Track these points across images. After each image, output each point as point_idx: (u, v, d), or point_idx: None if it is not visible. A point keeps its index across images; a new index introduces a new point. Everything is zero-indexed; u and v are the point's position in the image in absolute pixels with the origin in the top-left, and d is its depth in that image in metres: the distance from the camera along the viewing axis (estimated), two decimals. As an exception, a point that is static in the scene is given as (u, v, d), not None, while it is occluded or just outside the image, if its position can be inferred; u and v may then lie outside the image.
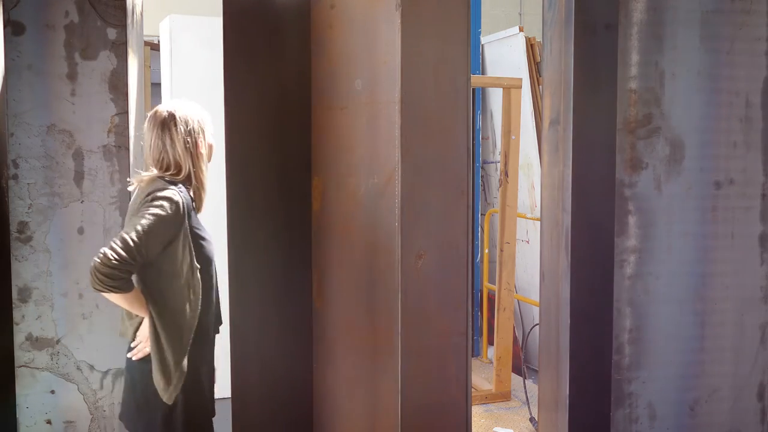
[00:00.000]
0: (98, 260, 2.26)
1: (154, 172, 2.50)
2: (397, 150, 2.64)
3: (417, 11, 2.63)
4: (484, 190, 6.37)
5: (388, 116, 2.68)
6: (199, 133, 2.61)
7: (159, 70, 5.30)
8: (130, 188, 2.60)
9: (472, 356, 2.82)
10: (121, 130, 2.68)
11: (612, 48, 2.64)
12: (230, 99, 2.99)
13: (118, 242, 2.29)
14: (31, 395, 2.66)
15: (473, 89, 5.39)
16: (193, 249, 2.54)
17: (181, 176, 2.55)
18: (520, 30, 5.92)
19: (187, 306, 2.47)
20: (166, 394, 2.41)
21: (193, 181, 2.61)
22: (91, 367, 2.71)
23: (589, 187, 2.64)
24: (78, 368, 2.70)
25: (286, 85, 3.10)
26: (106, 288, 2.28)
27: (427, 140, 2.70)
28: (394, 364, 2.68)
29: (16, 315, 2.62)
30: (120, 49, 2.65)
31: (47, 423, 2.69)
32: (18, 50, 2.58)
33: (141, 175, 2.52)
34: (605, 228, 2.68)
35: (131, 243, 2.30)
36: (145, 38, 4.11)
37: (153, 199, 2.39)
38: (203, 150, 2.66)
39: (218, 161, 3.44)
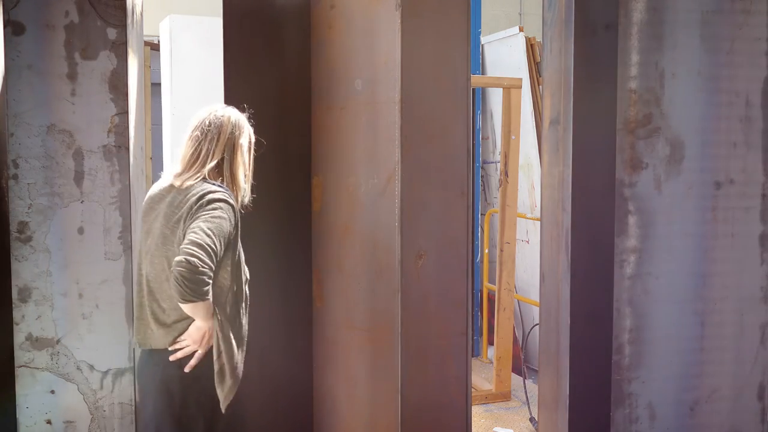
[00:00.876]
0: (184, 269, 2.21)
1: (190, 173, 2.45)
2: (397, 150, 2.65)
3: (417, 11, 2.63)
4: (484, 190, 6.37)
5: (388, 116, 2.68)
6: (238, 136, 2.53)
7: (159, 70, 5.31)
8: (153, 190, 2.53)
9: (472, 356, 2.82)
10: (121, 130, 2.68)
11: (612, 48, 2.64)
12: (230, 99, 2.99)
13: (197, 249, 2.24)
14: (31, 395, 2.66)
15: (473, 89, 5.39)
16: (239, 253, 2.51)
17: (220, 178, 2.51)
18: (520, 30, 5.91)
19: (241, 310, 2.50)
20: (226, 402, 2.42)
21: (231, 184, 2.53)
22: (91, 367, 2.71)
23: (589, 187, 2.64)
24: (78, 368, 2.70)
25: (286, 85, 3.10)
26: (198, 297, 2.24)
27: (427, 140, 2.70)
28: (394, 364, 2.68)
29: (16, 315, 2.62)
30: (120, 49, 2.65)
31: (47, 423, 2.69)
32: (18, 50, 2.58)
33: (179, 176, 2.47)
34: (605, 228, 2.68)
35: (210, 248, 2.25)
36: (145, 38, 4.11)
37: (210, 202, 2.36)
38: (243, 152, 2.55)
39: (218, 161, 3.44)
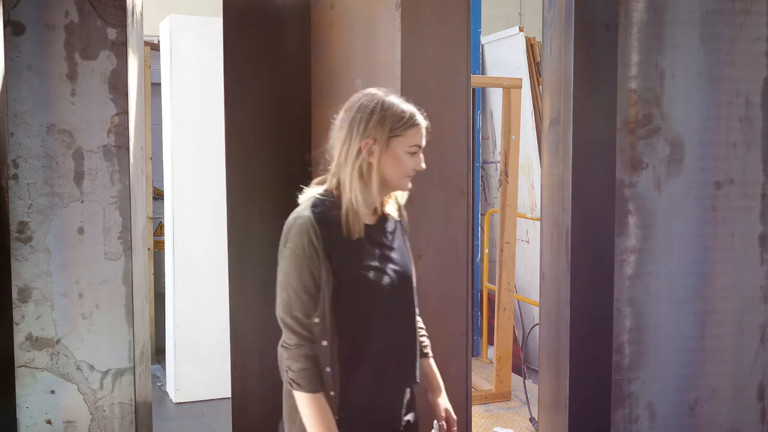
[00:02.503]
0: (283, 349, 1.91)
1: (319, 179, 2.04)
2: (397, 150, 2.64)
3: (417, 11, 2.63)
4: (484, 190, 6.37)
5: (388, 116, 2.68)
6: (363, 130, 1.95)
7: (159, 70, 5.31)
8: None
9: (472, 356, 2.82)
10: (121, 130, 2.68)
11: (612, 48, 2.64)
12: (230, 99, 2.99)
13: (281, 325, 1.91)
14: (31, 395, 2.66)
15: (473, 89, 5.39)
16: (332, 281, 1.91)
17: (332, 187, 2.01)
18: (520, 30, 5.92)
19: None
20: None
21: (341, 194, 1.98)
22: (91, 367, 2.71)
23: (589, 187, 2.64)
24: (78, 368, 2.70)
25: (286, 85, 3.10)
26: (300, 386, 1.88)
27: (427, 140, 2.70)
28: (394, 364, 2.67)
29: (16, 315, 2.62)
30: (120, 49, 2.65)
31: (47, 423, 2.69)
32: (18, 50, 2.58)
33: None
34: (605, 228, 2.67)
35: (286, 317, 1.90)
36: (145, 38, 4.11)
37: (284, 240, 1.95)
38: (357, 154, 1.96)
39: (218, 161, 3.44)
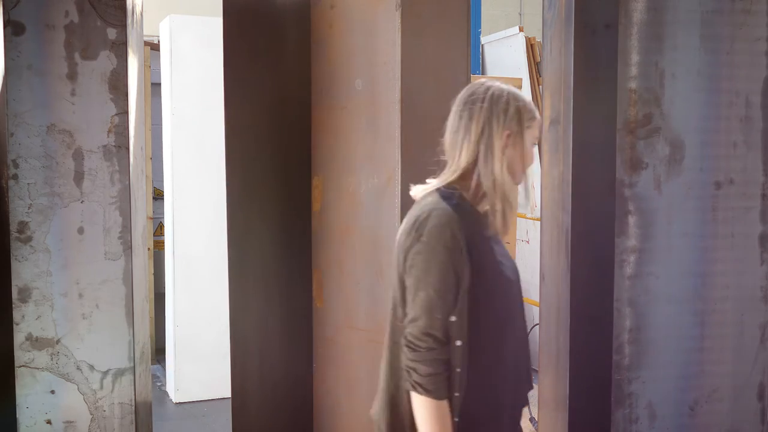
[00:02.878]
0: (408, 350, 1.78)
1: (438, 177, 1.92)
2: (397, 150, 2.64)
3: (417, 11, 2.63)
4: (484, 190, 6.36)
5: (388, 116, 2.68)
6: (504, 122, 1.87)
7: (159, 70, 5.31)
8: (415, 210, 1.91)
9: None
10: (121, 130, 2.68)
11: (612, 48, 2.64)
12: (230, 99, 2.99)
13: (414, 330, 1.77)
14: (31, 395, 2.66)
15: (473, 89, 5.38)
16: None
17: (467, 181, 1.90)
18: (520, 30, 5.92)
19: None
20: None
21: (483, 190, 1.89)
22: (91, 367, 2.71)
23: (589, 187, 2.64)
24: (78, 368, 2.70)
25: (286, 85, 3.10)
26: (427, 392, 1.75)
27: (427, 140, 2.70)
28: (394, 364, 2.67)
29: (16, 315, 2.62)
30: (120, 49, 2.65)
31: (47, 423, 2.69)
32: (18, 50, 2.58)
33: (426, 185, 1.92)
34: (605, 228, 2.67)
35: (425, 319, 1.76)
36: (145, 38, 4.11)
37: (419, 235, 1.81)
38: (503, 147, 1.88)
39: (218, 161, 3.44)
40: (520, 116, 1.88)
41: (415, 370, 1.77)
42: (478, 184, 1.86)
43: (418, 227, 1.81)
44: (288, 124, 3.11)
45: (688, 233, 2.78)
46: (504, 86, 1.91)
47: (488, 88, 1.90)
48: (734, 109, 2.79)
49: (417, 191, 1.94)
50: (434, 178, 1.95)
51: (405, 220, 1.89)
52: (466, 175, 1.88)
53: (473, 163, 1.86)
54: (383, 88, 2.70)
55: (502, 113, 1.86)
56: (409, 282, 1.80)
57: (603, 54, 2.63)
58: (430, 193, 1.89)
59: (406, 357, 1.80)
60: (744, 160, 2.81)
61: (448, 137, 1.94)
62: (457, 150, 1.89)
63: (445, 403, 1.78)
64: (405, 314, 1.83)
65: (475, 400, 1.82)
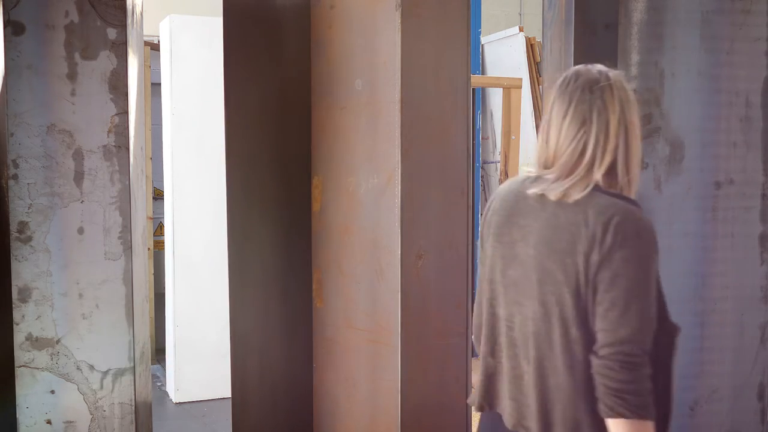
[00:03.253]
0: (611, 377, 1.58)
1: (573, 178, 1.66)
2: (397, 150, 2.64)
3: (417, 11, 2.63)
4: (484, 190, 6.37)
5: (388, 116, 2.68)
6: (632, 108, 1.70)
7: (159, 70, 5.30)
8: (512, 192, 1.77)
9: (472, 356, 2.82)
10: (121, 130, 2.68)
11: (612, 48, 2.64)
12: (230, 99, 2.99)
13: (627, 344, 1.58)
14: (31, 395, 2.66)
15: (473, 89, 5.39)
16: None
17: (611, 179, 1.69)
18: (520, 30, 5.92)
19: None
20: None
21: (627, 189, 1.72)
22: (91, 367, 2.71)
23: (589, 187, 2.64)
24: (78, 368, 2.70)
25: (286, 85, 3.10)
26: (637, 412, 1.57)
27: (427, 140, 2.70)
28: (394, 364, 2.67)
29: (16, 315, 2.62)
30: (120, 49, 2.65)
31: (47, 423, 2.69)
32: (18, 50, 2.58)
33: (556, 181, 1.67)
34: (605, 228, 2.67)
35: (643, 331, 1.59)
36: (145, 38, 4.11)
37: (623, 240, 1.58)
38: (637, 134, 1.72)
39: (218, 161, 3.44)
40: (636, 104, 1.72)
41: (633, 393, 1.57)
42: (617, 181, 1.68)
43: (616, 231, 1.58)
44: (288, 124, 3.11)
45: (688, 233, 2.78)
46: (609, 69, 1.74)
47: (606, 73, 1.71)
48: (734, 109, 2.79)
49: (556, 191, 1.66)
50: (551, 178, 1.69)
51: (572, 224, 1.62)
52: (610, 171, 1.67)
53: (615, 159, 1.67)
54: (383, 88, 2.70)
55: (628, 102, 1.69)
56: (613, 294, 1.58)
57: (603, 54, 2.63)
58: (596, 194, 1.65)
59: (615, 380, 1.57)
60: (744, 160, 2.81)
61: (568, 130, 1.67)
62: (591, 144, 1.65)
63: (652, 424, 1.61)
64: (582, 332, 1.61)
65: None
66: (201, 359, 5.09)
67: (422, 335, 2.70)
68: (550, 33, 2.78)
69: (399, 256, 2.65)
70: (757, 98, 2.81)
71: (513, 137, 4.95)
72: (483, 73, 6.19)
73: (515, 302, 1.71)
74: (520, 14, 9.57)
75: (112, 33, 2.65)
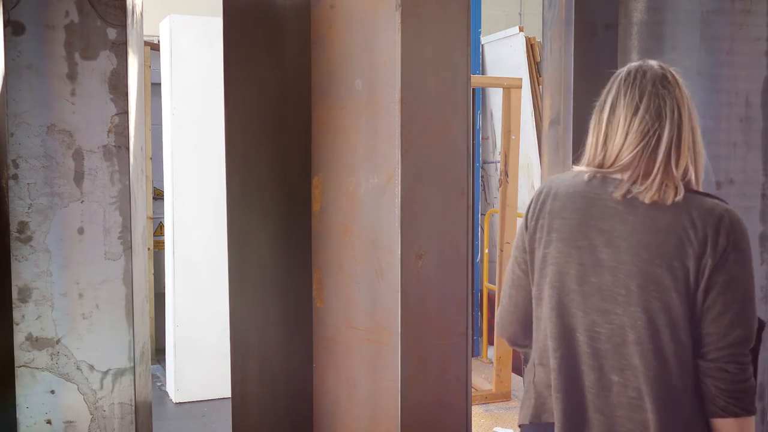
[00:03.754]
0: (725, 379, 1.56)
1: (656, 178, 1.60)
2: (397, 150, 2.64)
3: (417, 11, 2.63)
4: (484, 190, 6.37)
5: (388, 116, 2.68)
6: (696, 112, 1.66)
7: (159, 70, 5.31)
8: (578, 194, 1.69)
9: (472, 356, 2.82)
10: (121, 130, 2.68)
11: (612, 48, 2.64)
12: (230, 99, 2.99)
13: (743, 344, 1.56)
14: (31, 395, 2.66)
15: (473, 89, 5.39)
16: None
17: (686, 179, 1.64)
18: (520, 30, 5.92)
19: None
20: None
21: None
22: (91, 367, 2.71)
23: (589, 187, 2.64)
24: (78, 368, 2.70)
25: (286, 85, 3.10)
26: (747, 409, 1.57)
27: (427, 140, 2.70)
28: (394, 364, 2.68)
29: (16, 315, 2.62)
30: (120, 49, 2.65)
31: (47, 423, 2.69)
32: (18, 50, 2.58)
33: (635, 183, 1.61)
34: (605, 228, 2.67)
35: (750, 335, 1.58)
36: (145, 38, 4.11)
37: (736, 242, 1.58)
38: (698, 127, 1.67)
39: (218, 161, 3.44)
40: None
41: (746, 392, 1.57)
42: (689, 180, 1.63)
43: (728, 233, 1.56)
44: (288, 124, 3.11)
45: (688, 233, 2.78)
46: (666, 64, 1.70)
47: (669, 69, 1.66)
48: (734, 109, 2.79)
49: (650, 193, 1.59)
50: (622, 178, 1.63)
51: (677, 227, 1.57)
52: (686, 172, 1.62)
53: (687, 158, 1.62)
54: (383, 88, 2.70)
55: (691, 98, 1.65)
56: (728, 296, 1.55)
57: (603, 54, 2.63)
58: (693, 196, 1.60)
59: (729, 382, 1.57)
60: (744, 160, 2.81)
61: (639, 126, 1.62)
62: (664, 142, 1.59)
63: None
64: (690, 335, 1.58)
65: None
66: (201, 359, 5.10)
67: (422, 335, 2.70)
68: (550, 33, 2.78)
69: (399, 256, 2.65)
70: (757, 98, 2.81)
71: (513, 137, 4.95)
72: (483, 73, 6.20)
73: (600, 311, 1.63)
74: (520, 14, 9.58)
75: (112, 33, 2.65)
